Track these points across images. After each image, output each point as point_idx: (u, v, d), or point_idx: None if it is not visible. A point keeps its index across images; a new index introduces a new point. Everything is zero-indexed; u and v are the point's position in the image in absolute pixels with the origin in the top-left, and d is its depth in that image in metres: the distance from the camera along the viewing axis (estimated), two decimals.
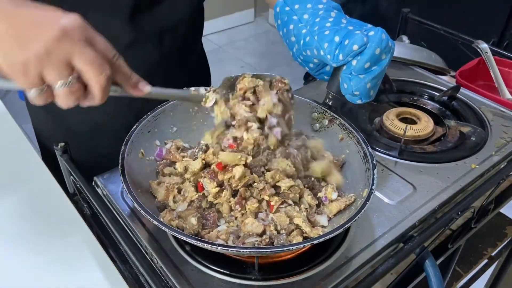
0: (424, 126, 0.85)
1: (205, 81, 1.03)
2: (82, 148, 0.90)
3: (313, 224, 0.60)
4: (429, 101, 0.95)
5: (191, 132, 0.74)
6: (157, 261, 0.60)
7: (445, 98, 0.94)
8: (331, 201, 0.62)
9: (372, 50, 0.65)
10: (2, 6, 0.44)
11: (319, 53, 0.69)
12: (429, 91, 0.97)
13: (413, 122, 0.88)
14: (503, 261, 1.19)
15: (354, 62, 0.66)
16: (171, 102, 0.71)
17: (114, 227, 0.65)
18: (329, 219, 0.61)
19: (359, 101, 0.70)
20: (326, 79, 0.78)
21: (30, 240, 0.66)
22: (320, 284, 0.57)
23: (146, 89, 0.51)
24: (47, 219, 0.70)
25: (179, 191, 0.63)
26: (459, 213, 0.71)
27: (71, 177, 0.77)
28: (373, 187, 0.59)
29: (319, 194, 0.63)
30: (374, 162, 0.63)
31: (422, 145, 0.84)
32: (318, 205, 0.63)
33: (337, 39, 0.67)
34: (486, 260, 1.07)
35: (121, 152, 0.60)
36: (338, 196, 0.63)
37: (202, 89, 0.60)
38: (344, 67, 0.68)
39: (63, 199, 0.74)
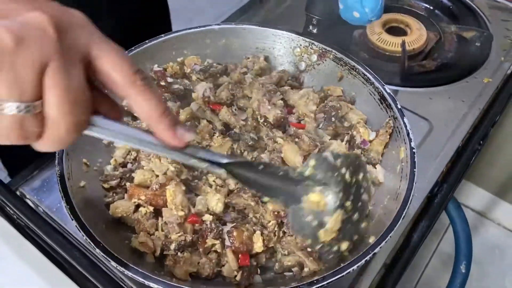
0: (418, 36, 0.70)
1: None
2: None
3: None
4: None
5: None
6: None
7: None
8: (371, 141, 0.50)
9: None
10: None
11: None
12: None
13: (402, 31, 0.73)
14: None
15: None
16: None
17: (76, 259, 0.48)
18: (380, 161, 0.49)
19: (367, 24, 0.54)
20: None
21: None
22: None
23: (186, 136, 0.30)
24: None
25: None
26: (481, 142, 0.62)
27: None
28: (412, 144, 0.46)
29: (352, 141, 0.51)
30: (399, 107, 0.49)
31: (418, 60, 0.70)
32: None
33: None
34: None
35: (58, 179, 0.40)
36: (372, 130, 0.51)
37: None
38: None
39: None
